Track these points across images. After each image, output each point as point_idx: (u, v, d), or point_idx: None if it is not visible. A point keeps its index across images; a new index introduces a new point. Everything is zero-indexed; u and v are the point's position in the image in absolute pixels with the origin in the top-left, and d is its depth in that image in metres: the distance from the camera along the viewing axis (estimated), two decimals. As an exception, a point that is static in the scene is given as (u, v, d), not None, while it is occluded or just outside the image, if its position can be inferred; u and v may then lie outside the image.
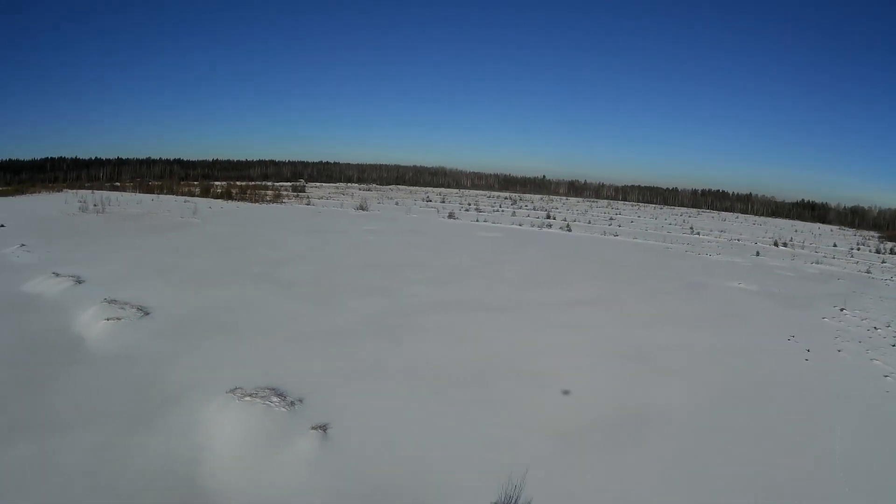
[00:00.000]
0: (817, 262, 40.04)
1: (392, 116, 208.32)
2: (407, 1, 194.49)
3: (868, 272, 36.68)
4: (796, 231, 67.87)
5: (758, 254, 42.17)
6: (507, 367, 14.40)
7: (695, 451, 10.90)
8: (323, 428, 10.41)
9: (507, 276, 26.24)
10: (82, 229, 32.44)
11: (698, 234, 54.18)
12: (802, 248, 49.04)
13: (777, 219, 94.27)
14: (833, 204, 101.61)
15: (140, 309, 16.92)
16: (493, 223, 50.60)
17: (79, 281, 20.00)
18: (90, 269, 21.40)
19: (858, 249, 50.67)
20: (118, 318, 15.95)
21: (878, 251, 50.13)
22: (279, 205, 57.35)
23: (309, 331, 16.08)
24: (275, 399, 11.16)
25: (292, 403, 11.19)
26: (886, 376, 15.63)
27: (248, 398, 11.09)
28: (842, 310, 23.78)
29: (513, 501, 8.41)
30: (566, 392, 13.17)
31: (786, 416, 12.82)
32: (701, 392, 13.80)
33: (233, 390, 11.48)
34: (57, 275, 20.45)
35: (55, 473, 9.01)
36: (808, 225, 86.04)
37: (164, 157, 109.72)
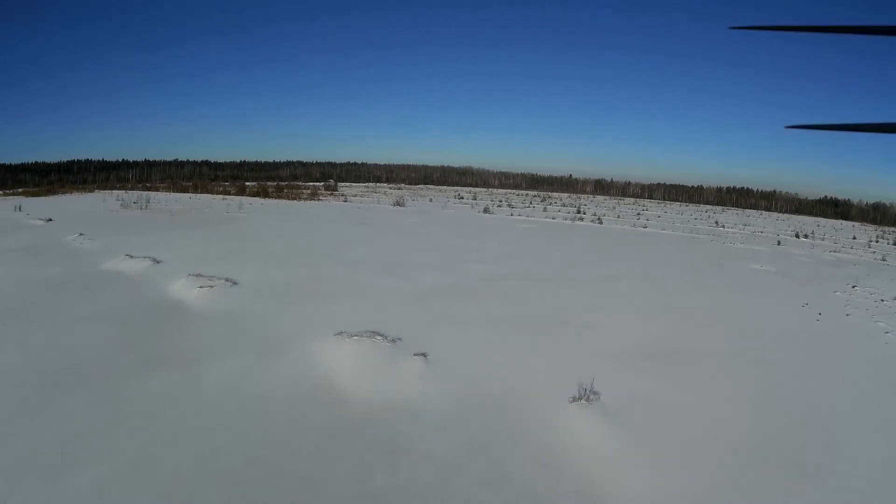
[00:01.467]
0: (835, 251, 41.59)
1: (419, 117, 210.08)
2: (433, 1, 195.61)
3: (883, 259, 38.12)
4: (818, 226, 69.07)
5: (779, 243, 43.63)
6: (563, 319, 16.29)
7: (729, 370, 13.07)
8: (423, 355, 12.35)
9: (550, 257, 28.15)
10: (132, 222, 33.47)
11: (723, 227, 55.67)
12: (822, 239, 50.50)
13: (800, 216, 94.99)
14: (855, 201, 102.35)
15: (228, 280, 18.40)
16: (527, 217, 52.34)
17: (156, 261, 21.24)
18: (161, 253, 22.60)
19: (877, 241, 51.99)
20: (211, 286, 17.45)
21: (895, 243, 51.08)
22: (317, 202, 58.88)
23: (388, 295, 17.82)
24: (378, 338, 12.95)
25: (393, 341, 12.96)
26: (887, 332, 17.42)
27: (355, 337, 12.86)
28: (853, 287, 25.37)
29: (586, 395, 10.47)
30: (619, 335, 15.11)
31: (800, 352, 14.85)
32: (732, 336, 15.91)
33: (339, 333, 13.23)
34: (131, 256, 21.67)
35: (204, 391, 10.61)
36: (831, 221, 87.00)
37: (192, 159, 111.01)
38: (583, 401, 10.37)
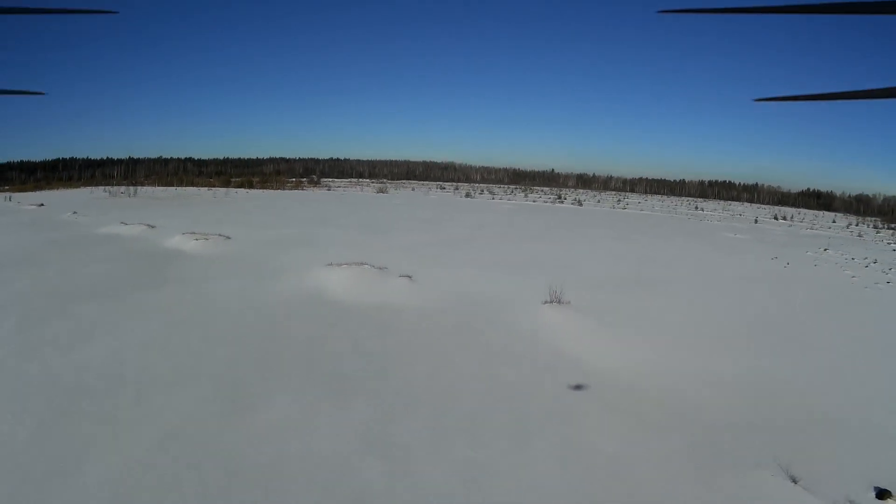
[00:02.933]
0: (811, 229, 42.68)
1: (401, 113, 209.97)
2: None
3: (860, 236, 38.88)
4: (799, 213, 69.86)
5: (756, 221, 44.74)
6: (543, 260, 17.35)
7: (693, 294, 14.10)
8: (408, 276, 13.34)
9: (531, 226, 29.12)
10: (122, 205, 34.16)
11: (702, 210, 56.42)
12: (801, 221, 51.19)
13: (783, 207, 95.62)
14: (838, 193, 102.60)
15: (221, 236, 19.17)
16: (508, 200, 53.04)
17: (150, 226, 22.00)
18: (155, 221, 23.38)
19: (857, 225, 52.49)
20: (206, 239, 18.23)
21: (875, 227, 51.71)
22: (301, 191, 59.42)
23: (376, 246, 18.69)
24: (366, 266, 13.79)
25: (381, 268, 13.87)
26: (853, 277, 18.44)
27: (345, 265, 13.77)
28: (825, 250, 26.43)
29: (558, 300, 11.56)
30: (593, 270, 16.23)
31: (761, 289, 15.72)
32: (694, 273, 16.97)
33: (329, 264, 14.14)
34: (125, 223, 22.43)
35: (211, 300, 11.61)
36: (813, 211, 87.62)
37: (176, 156, 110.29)
38: (554, 303, 11.37)
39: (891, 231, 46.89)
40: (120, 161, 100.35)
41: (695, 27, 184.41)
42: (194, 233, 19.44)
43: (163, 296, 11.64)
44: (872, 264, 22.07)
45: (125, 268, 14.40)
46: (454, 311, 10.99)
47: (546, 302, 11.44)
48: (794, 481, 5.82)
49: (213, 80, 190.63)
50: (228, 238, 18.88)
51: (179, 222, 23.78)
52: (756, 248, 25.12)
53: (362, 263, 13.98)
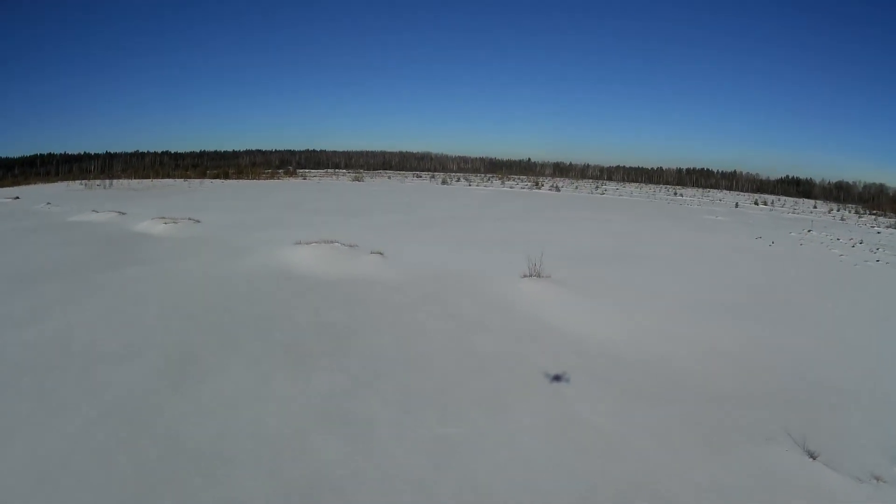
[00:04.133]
0: (793, 213, 42.64)
1: (377, 105, 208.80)
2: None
3: (842, 220, 39.01)
4: (779, 199, 70.38)
5: (737, 205, 44.99)
6: (521, 239, 16.85)
7: (678, 266, 13.92)
8: (380, 253, 12.86)
9: (509, 208, 28.95)
10: (96, 196, 33.15)
11: (682, 196, 56.66)
12: (782, 207, 51.44)
13: (762, 194, 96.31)
14: (818, 180, 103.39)
15: (191, 220, 18.73)
16: (485, 187, 52.96)
17: (121, 213, 21.47)
18: (126, 209, 22.76)
19: (838, 211, 52.78)
20: (175, 223, 17.82)
21: (857, 213, 51.92)
22: (277, 180, 59.16)
23: (349, 226, 18.34)
24: (336, 244, 13.44)
25: (351, 246, 13.47)
26: (841, 255, 18.23)
27: (314, 244, 13.34)
28: (809, 231, 26.17)
29: (537, 273, 11.12)
30: (574, 246, 15.90)
31: (749, 263, 15.62)
32: (678, 249, 16.80)
33: (297, 242, 13.67)
34: (96, 211, 21.90)
35: (169, 276, 11.16)
36: (793, 199, 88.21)
37: (152, 150, 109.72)
38: (534, 276, 10.99)
39: (873, 216, 46.89)
40: (97, 156, 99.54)
41: (670, 14, 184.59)
42: (164, 217, 18.97)
43: (124, 274, 11.08)
44: (858, 244, 21.94)
45: (91, 250, 13.85)
46: (427, 284, 10.56)
47: (525, 276, 11.02)
48: (812, 456, 5.36)
49: (189, 75, 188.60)
50: (198, 222, 18.41)
51: (151, 210, 23.12)
52: (739, 230, 24.94)
53: (332, 241, 13.51)
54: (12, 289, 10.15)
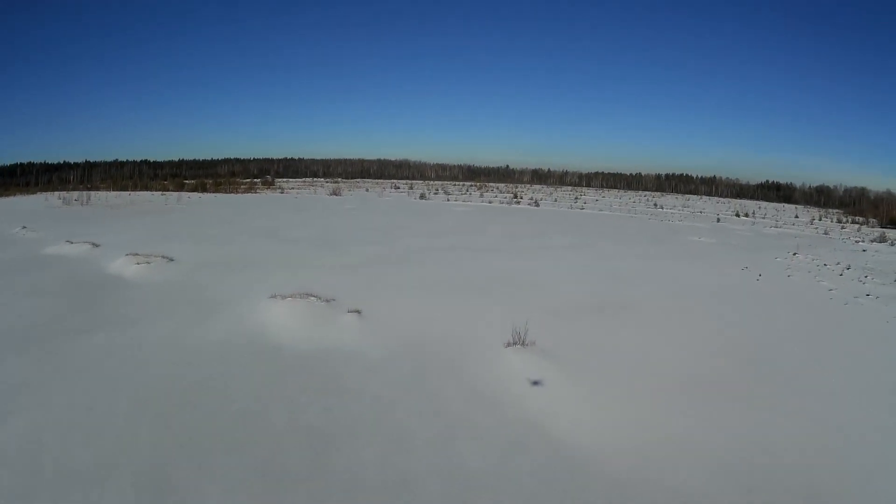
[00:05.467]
0: (776, 227, 42.86)
1: (355, 112, 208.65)
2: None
3: (826, 233, 39.41)
4: (759, 207, 70.55)
5: (719, 220, 45.02)
6: (502, 280, 16.60)
7: (666, 319, 13.35)
8: (357, 311, 12.47)
9: (488, 232, 28.79)
10: (73, 216, 32.66)
11: (662, 208, 56.86)
12: (764, 218, 51.76)
13: (742, 199, 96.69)
14: (798, 184, 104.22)
15: (165, 257, 18.27)
16: (464, 202, 52.96)
17: (95, 245, 20.93)
18: (100, 238, 22.15)
19: (820, 220, 53.19)
20: (148, 262, 17.39)
21: (839, 221, 52.35)
22: (254, 194, 58.65)
23: (325, 265, 17.93)
24: (312, 298, 13.12)
25: (328, 301, 13.10)
26: (830, 290, 17.92)
27: (289, 298, 13.01)
28: (795, 254, 26.05)
29: (521, 341, 10.63)
30: (556, 292, 15.42)
31: (742, 304, 15.39)
32: (667, 292, 16.26)
33: (273, 296, 13.31)
34: (71, 242, 21.29)
35: (141, 348, 10.63)
36: (774, 204, 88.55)
37: (131, 159, 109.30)
38: (518, 345, 10.55)
39: (856, 226, 47.58)
40: (77, 165, 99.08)
41: (648, 18, 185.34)
42: (137, 254, 18.44)
43: (95, 343, 10.57)
44: (846, 271, 21.83)
45: (63, 303, 13.33)
46: (407, 360, 10.12)
47: (508, 344, 10.60)
48: None
49: (168, 82, 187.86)
50: (171, 260, 17.96)
51: (126, 237, 22.89)
52: (724, 255, 24.78)
53: (308, 295, 13.19)
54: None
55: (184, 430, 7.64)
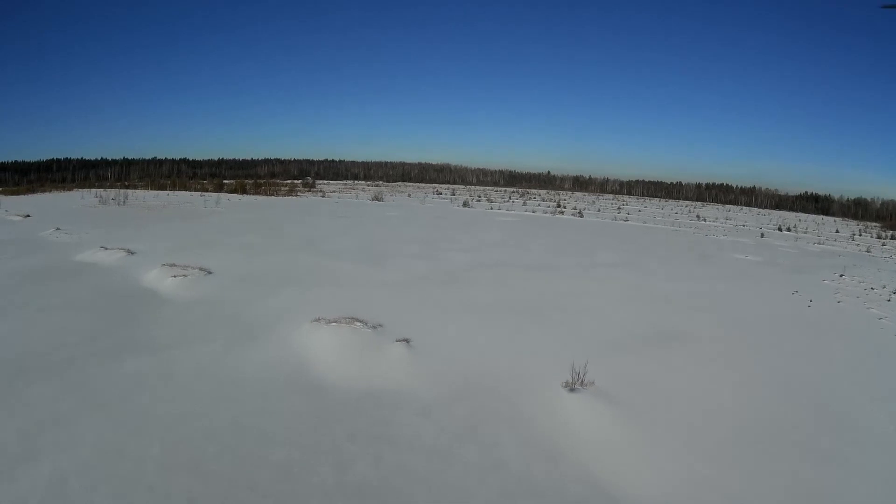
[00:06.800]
0: (819, 243, 41.85)
1: (396, 115, 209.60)
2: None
3: (868, 251, 38.43)
4: (800, 220, 69.44)
5: (762, 235, 43.96)
6: (553, 304, 15.82)
7: (724, 355, 12.54)
8: (406, 341, 11.68)
9: (534, 247, 27.81)
10: (110, 217, 32.49)
11: (704, 220, 55.81)
12: (805, 232, 50.94)
13: (781, 211, 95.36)
14: (836, 196, 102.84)
15: (202, 269, 17.72)
16: (507, 210, 52.32)
17: (130, 252, 20.47)
18: (136, 245, 21.76)
19: (860, 235, 52.36)
20: (185, 276, 16.78)
21: (878, 237, 51.56)
22: (295, 197, 58.36)
23: (368, 283, 17.22)
24: (357, 324, 12.35)
25: (374, 327, 12.35)
26: (881, 318, 17.18)
27: (333, 324, 12.25)
28: (841, 276, 25.22)
29: (580, 381, 9.83)
30: (608, 319, 14.64)
31: (797, 336, 14.60)
32: (724, 321, 15.46)
33: (316, 319, 12.58)
34: (105, 248, 20.86)
35: (175, 377, 9.97)
36: (812, 216, 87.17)
37: (170, 157, 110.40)
38: (576, 386, 9.80)
39: (895, 240, 46.84)
40: (114, 162, 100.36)
41: (688, 26, 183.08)
42: (174, 265, 17.91)
43: (125, 372, 9.91)
44: (893, 295, 21.04)
45: (93, 320, 12.76)
46: (460, 403, 9.32)
47: (566, 385, 9.79)
48: None
49: (208, 81, 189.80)
50: (209, 273, 17.37)
51: (163, 244, 22.46)
52: (771, 276, 24.04)
53: (353, 320, 12.39)
54: (1, 389, 9.01)
55: (221, 483, 6.89)
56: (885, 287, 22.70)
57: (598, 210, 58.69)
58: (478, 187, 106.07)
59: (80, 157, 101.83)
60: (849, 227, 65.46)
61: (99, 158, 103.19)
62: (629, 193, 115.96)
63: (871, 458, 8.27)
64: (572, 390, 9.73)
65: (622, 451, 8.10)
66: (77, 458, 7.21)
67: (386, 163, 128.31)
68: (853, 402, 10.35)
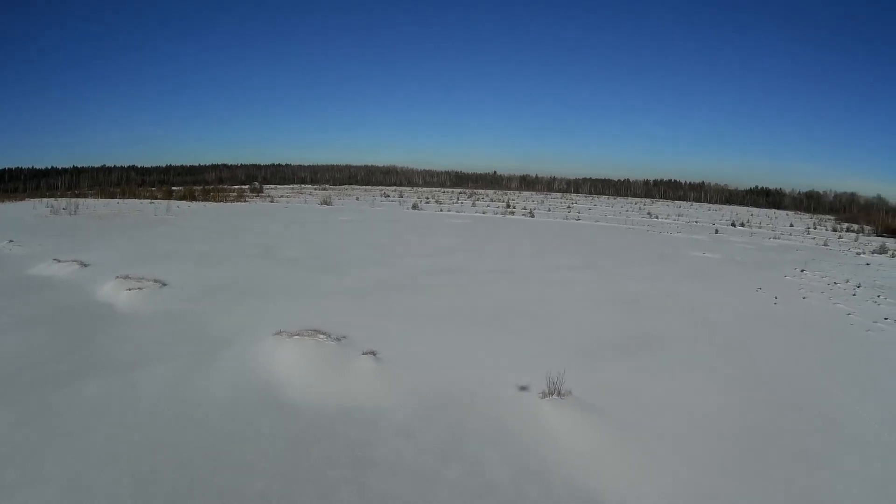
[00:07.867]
0: (775, 238, 42.60)
1: (341, 118, 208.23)
2: None
3: (825, 244, 39.22)
4: (752, 215, 70.67)
5: (717, 231, 44.60)
6: (518, 310, 15.74)
7: (697, 358, 12.56)
8: (373, 353, 11.47)
9: (490, 250, 27.73)
10: (62, 227, 31.85)
11: (656, 217, 56.49)
12: (760, 227, 51.73)
13: (732, 206, 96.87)
14: (788, 190, 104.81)
15: (157, 281, 17.33)
16: (457, 212, 52.37)
17: (83, 264, 20.03)
18: (89, 256, 21.34)
19: (815, 228, 53.43)
20: (140, 289, 16.41)
21: (834, 230, 52.65)
22: (244, 203, 57.80)
23: (329, 291, 16.97)
24: (321, 336, 12.15)
25: (338, 339, 12.15)
26: (849, 314, 17.40)
27: (296, 337, 12.03)
28: (802, 271, 25.65)
29: (557, 391, 9.75)
30: (576, 325, 14.59)
31: (769, 336, 14.65)
32: (693, 322, 15.53)
33: (279, 332, 12.35)
34: (58, 261, 20.44)
35: (140, 400, 9.63)
36: (764, 210, 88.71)
37: (119, 165, 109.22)
38: (555, 395, 9.70)
39: (852, 234, 48.09)
40: (64, 170, 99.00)
41: (637, 23, 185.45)
42: (128, 276, 17.57)
43: (88, 395, 9.57)
44: (857, 290, 21.49)
45: (51, 340, 12.36)
46: (438, 419, 9.11)
47: (544, 394, 9.70)
48: None
49: (155, 87, 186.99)
50: (164, 285, 17.02)
51: (116, 255, 22.12)
52: (733, 274, 24.28)
53: (315, 333, 12.18)
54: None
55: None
56: (848, 281, 23.09)
57: (549, 210, 59.05)
58: (424, 189, 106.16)
59: (30, 167, 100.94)
60: (802, 220, 66.57)
61: (49, 167, 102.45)
62: (577, 192, 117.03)
63: (864, 461, 8.35)
64: (551, 401, 9.61)
65: (611, 462, 8.03)
66: (43, 498, 6.83)
67: (332, 166, 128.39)
68: (836, 403, 10.42)
